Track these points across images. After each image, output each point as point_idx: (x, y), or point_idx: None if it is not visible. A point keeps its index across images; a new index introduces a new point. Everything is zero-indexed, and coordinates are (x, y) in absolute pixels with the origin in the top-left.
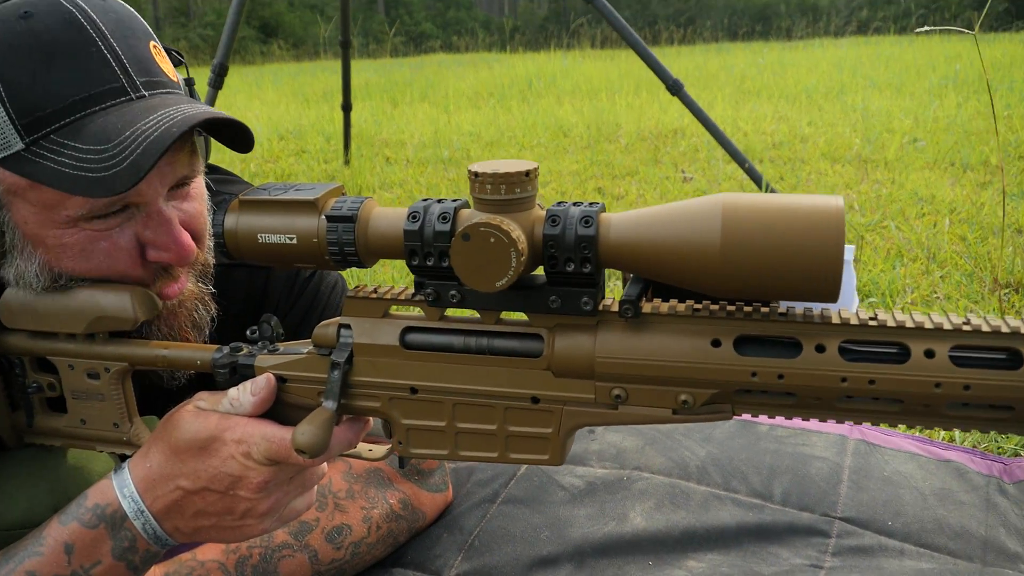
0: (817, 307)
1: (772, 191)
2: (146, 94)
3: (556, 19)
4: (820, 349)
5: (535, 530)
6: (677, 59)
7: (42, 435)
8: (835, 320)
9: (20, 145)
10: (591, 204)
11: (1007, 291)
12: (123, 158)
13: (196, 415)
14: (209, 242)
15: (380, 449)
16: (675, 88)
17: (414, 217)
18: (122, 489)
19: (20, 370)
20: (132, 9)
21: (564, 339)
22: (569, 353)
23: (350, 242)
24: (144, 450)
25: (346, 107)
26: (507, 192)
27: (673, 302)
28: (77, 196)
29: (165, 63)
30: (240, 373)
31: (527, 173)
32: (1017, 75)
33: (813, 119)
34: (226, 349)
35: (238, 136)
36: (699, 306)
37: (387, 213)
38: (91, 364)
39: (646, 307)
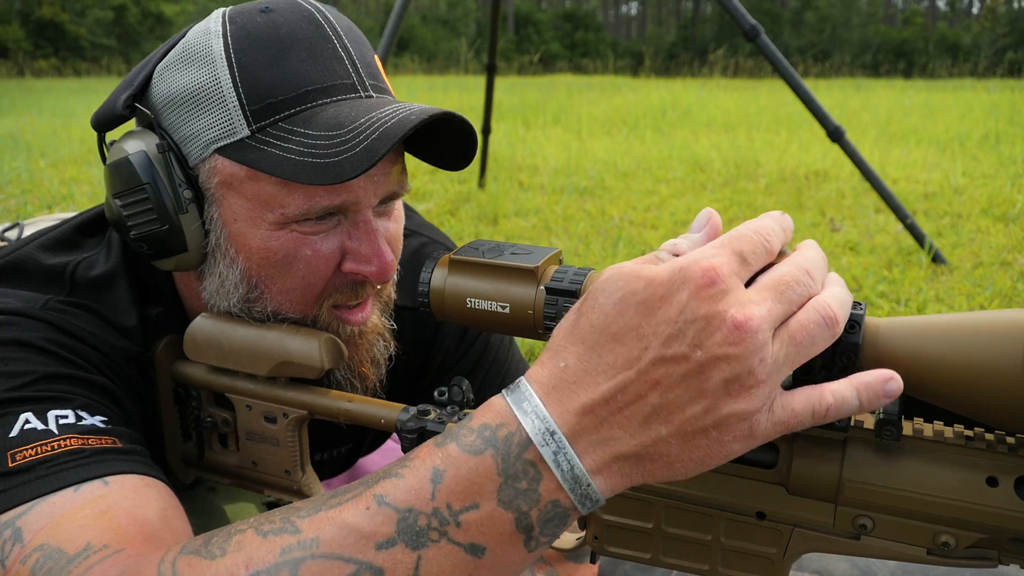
0: None
1: (934, 251)
2: (374, 95)
3: (685, 45)
4: None
5: None
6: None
7: (211, 470)
8: None
9: (246, 132)
10: (855, 306)
11: None
12: (357, 143)
13: (624, 274)
14: (394, 276)
15: (569, 538)
16: (836, 135)
17: None
18: (519, 403)
19: (196, 402)
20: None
21: (805, 454)
22: (810, 471)
23: None
24: (548, 353)
25: (485, 130)
26: None
27: (938, 425)
28: (298, 188)
29: (384, 76)
30: (427, 440)
31: None
32: None
33: (967, 169)
34: (413, 411)
35: (455, 150)
36: (971, 434)
37: None
38: (270, 407)
39: (906, 427)
